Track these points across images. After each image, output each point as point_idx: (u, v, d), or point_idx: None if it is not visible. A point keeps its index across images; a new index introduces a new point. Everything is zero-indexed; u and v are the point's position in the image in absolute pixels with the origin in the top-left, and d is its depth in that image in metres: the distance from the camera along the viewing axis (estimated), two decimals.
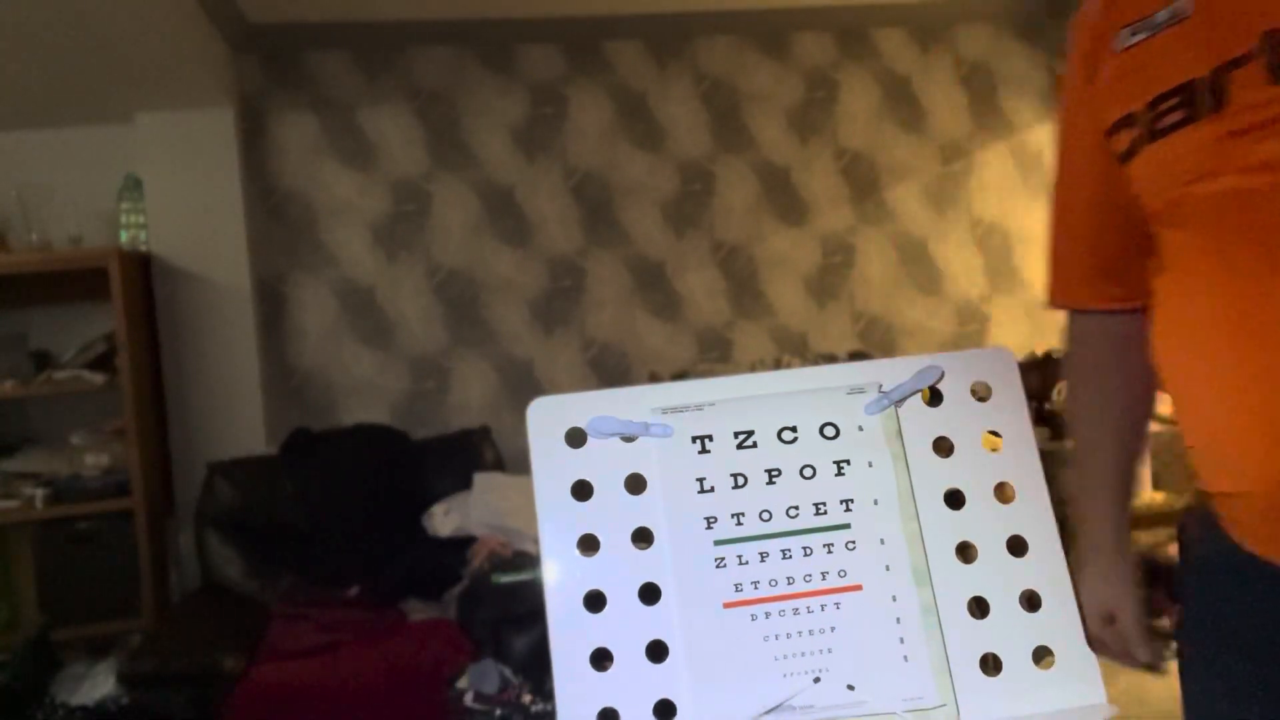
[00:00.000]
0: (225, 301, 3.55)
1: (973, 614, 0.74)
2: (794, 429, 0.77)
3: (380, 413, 3.77)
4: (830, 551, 0.75)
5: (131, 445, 3.14)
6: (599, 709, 0.71)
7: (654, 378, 3.80)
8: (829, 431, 0.78)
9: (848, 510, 0.76)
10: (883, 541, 0.75)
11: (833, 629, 0.73)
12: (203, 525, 3.21)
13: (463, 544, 3.12)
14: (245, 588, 3.13)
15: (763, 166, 4.10)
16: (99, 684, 2.67)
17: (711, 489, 0.76)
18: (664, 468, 0.76)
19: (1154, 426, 3.84)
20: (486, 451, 3.50)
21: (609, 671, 0.72)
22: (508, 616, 2.64)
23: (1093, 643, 0.98)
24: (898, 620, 0.73)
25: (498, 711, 2.42)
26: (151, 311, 3.46)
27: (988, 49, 4.28)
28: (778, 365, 3.80)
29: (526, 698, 2.45)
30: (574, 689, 0.71)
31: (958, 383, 0.79)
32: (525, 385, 3.87)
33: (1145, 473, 3.66)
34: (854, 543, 0.75)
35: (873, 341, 4.13)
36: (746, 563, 0.74)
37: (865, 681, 0.72)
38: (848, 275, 4.15)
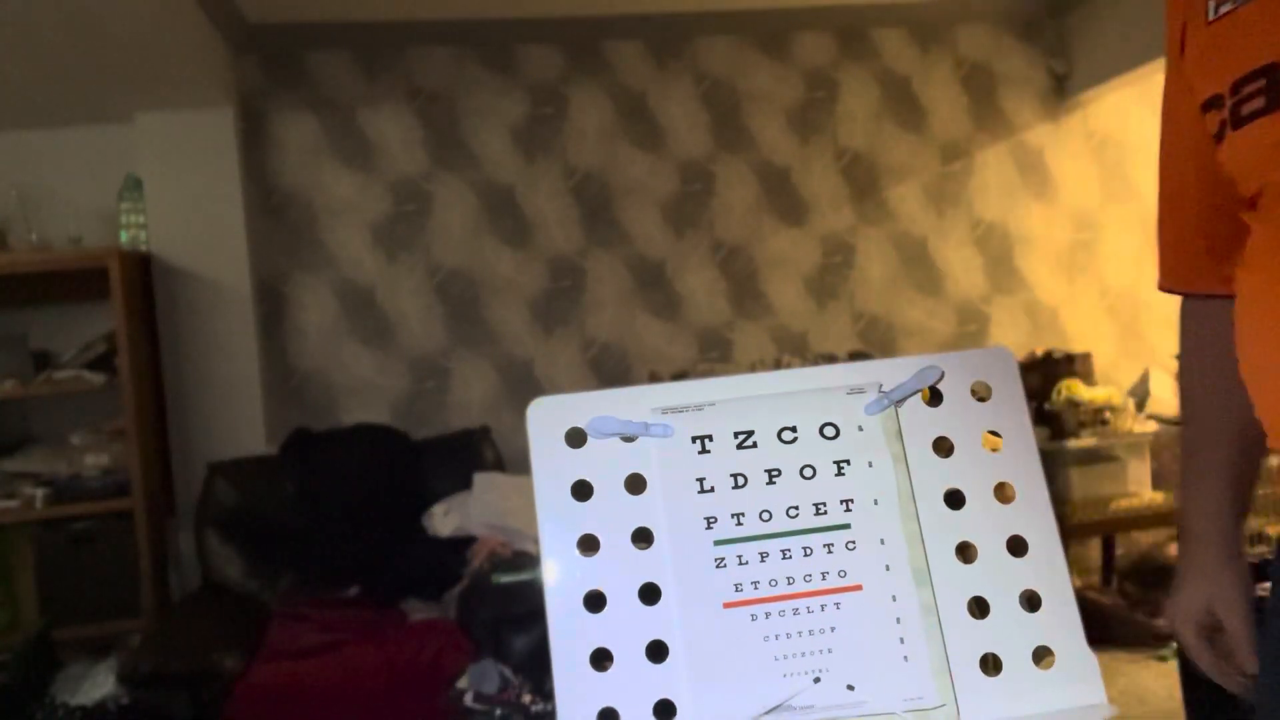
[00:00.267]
0: (225, 301, 3.55)
1: (973, 614, 0.74)
2: (794, 429, 0.77)
3: (380, 413, 3.77)
4: (830, 551, 0.75)
5: (131, 445, 3.14)
6: (599, 709, 0.71)
7: (654, 378, 3.80)
8: (829, 431, 0.78)
9: (848, 510, 0.76)
10: (883, 541, 0.75)
11: (833, 629, 0.73)
12: (203, 525, 3.21)
13: (463, 544, 3.12)
14: (245, 588, 3.13)
15: (763, 166, 4.10)
16: (99, 684, 2.67)
17: (711, 489, 0.76)
18: (664, 468, 0.76)
19: (1153, 426, 3.84)
20: (486, 451, 3.51)
21: (609, 671, 0.72)
22: (508, 616, 2.64)
23: (1190, 654, 0.91)
24: (898, 620, 0.73)
25: (498, 711, 2.42)
26: (151, 311, 3.46)
27: (988, 49, 4.28)
28: (778, 365, 3.80)
29: (526, 698, 2.45)
30: (574, 689, 0.71)
31: (958, 383, 0.79)
32: (525, 385, 3.87)
33: (1145, 471, 3.66)
34: (854, 543, 0.75)
35: (873, 341, 4.13)
36: (746, 563, 0.74)
37: (865, 681, 0.72)
38: (848, 275, 4.15)
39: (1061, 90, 4.26)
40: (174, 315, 3.51)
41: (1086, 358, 3.93)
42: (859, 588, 0.74)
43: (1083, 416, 3.64)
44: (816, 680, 0.71)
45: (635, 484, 0.76)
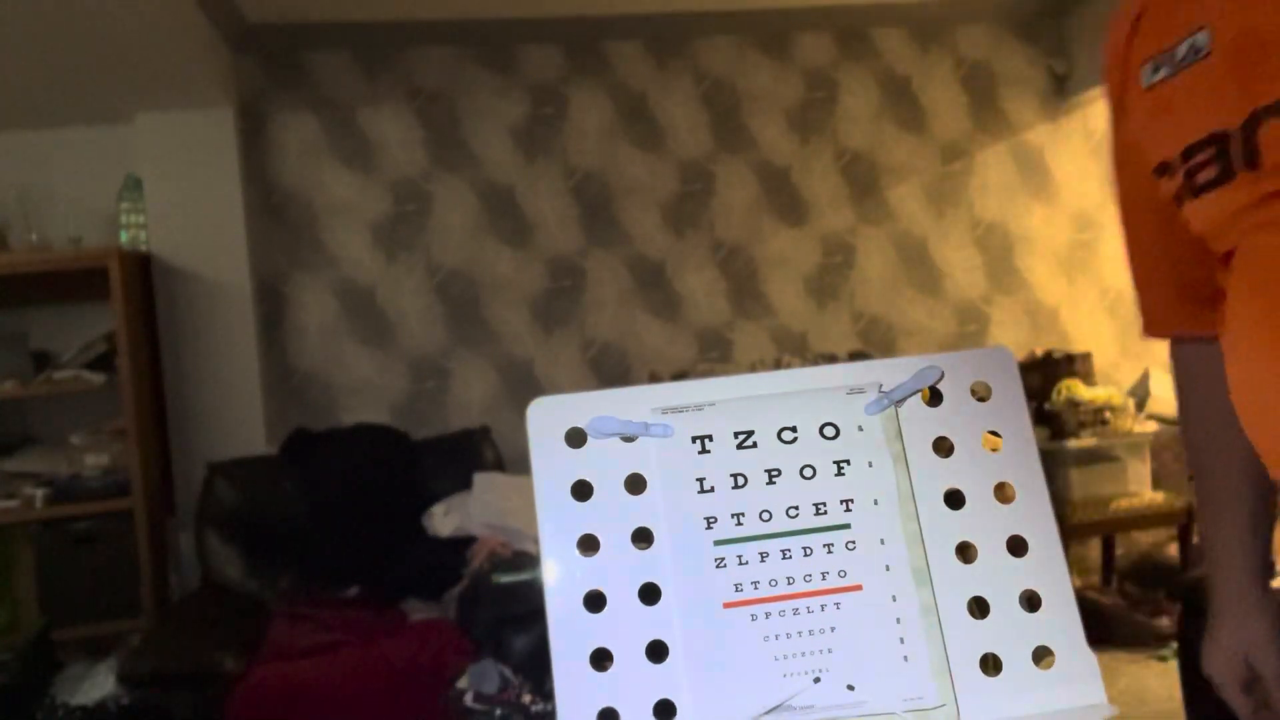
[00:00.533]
0: (225, 301, 3.55)
1: (973, 614, 0.74)
2: (794, 429, 0.77)
3: (380, 413, 3.77)
4: (830, 551, 0.75)
5: (131, 445, 3.14)
6: (599, 709, 0.71)
7: (654, 378, 3.80)
8: (829, 432, 0.78)
9: (848, 510, 0.76)
10: (883, 541, 0.75)
11: (833, 629, 0.73)
12: (203, 525, 3.21)
13: (463, 544, 3.12)
14: (245, 588, 3.13)
15: (763, 166, 4.10)
16: (99, 684, 2.66)
17: (711, 489, 0.76)
18: (664, 468, 0.76)
19: (1153, 426, 3.84)
20: (486, 451, 3.50)
21: (609, 671, 0.72)
22: (508, 616, 2.64)
23: (1231, 705, 0.92)
24: (898, 620, 0.73)
25: (498, 711, 2.42)
26: (151, 311, 3.46)
27: (988, 49, 4.28)
28: (778, 365, 3.80)
29: (526, 698, 2.45)
30: (574, 689, 0.71)
31: (958, 383, 0.79)
32: (525, 385, 3.87)
33: (1145, 471, 3.66)
34: (854, 543, 0.75)
35: (873, 341, 4.13)
36: (746, 563, 0.74)
37: (865, 682, 0.72)
38: (848, 275, 4.15)
39: (1061, 90, 4.26)
40: (174, 315, 3.51)
41: (1086, 358, 3.93)
42: (859, 588, 0.74)
43: (1083, 416, 3.64)
44: (816, 680, 0.71)
45: (635, 484, 0.76)
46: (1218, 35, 0.79)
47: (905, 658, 0.72)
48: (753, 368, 3.85)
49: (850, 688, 0.71)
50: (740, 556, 0.74)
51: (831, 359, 3.69)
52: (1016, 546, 0.76)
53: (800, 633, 0.72)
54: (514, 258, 3.91)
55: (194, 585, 3.29)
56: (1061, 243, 4.26)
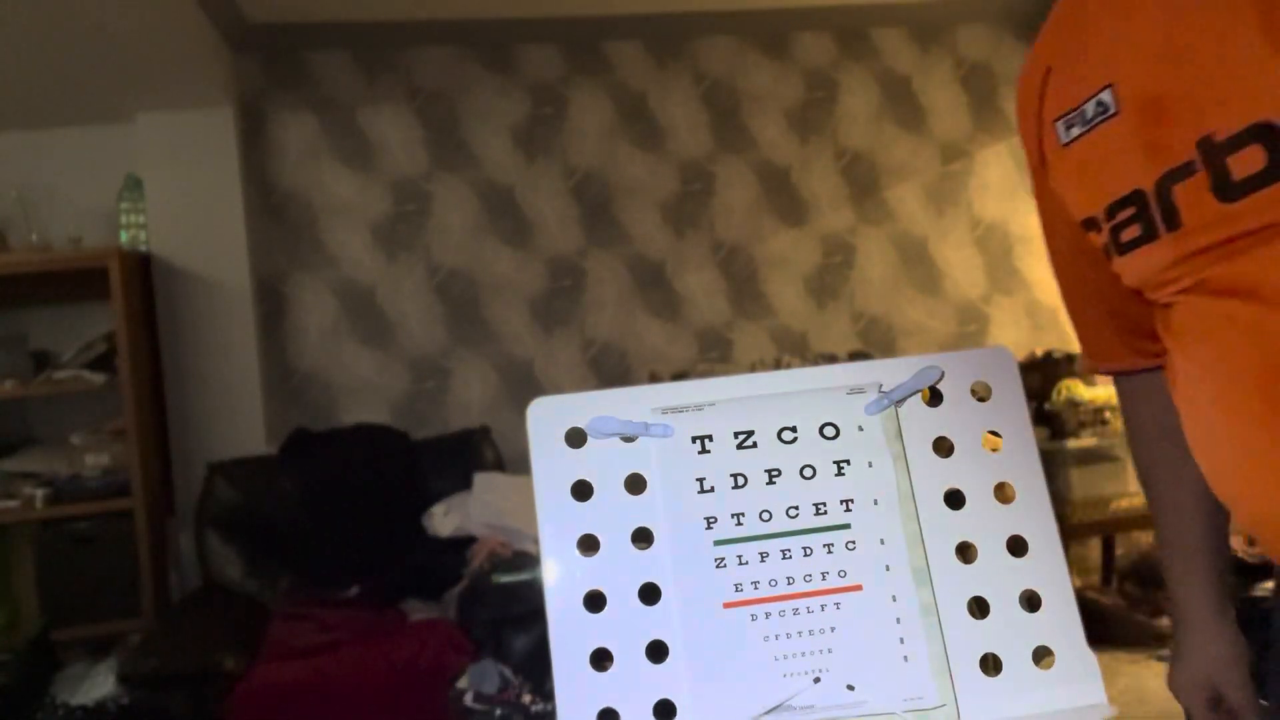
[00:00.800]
0: (225, 301, 3.55)
1: (973, 614, 0.74)
2: (794, 429, 0.78)
3: (380, 413, 3.77)
4: (830, 551, 0.75)
5: (131, 445, 3.14)
6: (599, 709, 0.71)
7: (654, 378, 3.80)
8: (829, 432, 0.78)
9: (848, 510, 0.76)
10: (883, 541, 0.75)
11: (833, 629, 0.73)
12: (203, 525, 3.21)
13: (463, 544, 3.12)
14: (245, 588, 3.13)
15: (763, 166, 4.10)
16: (99, 684, 2.66)
17: (711, 489, 0.76)
18: (664, 468, 0.76)
19: None
20: (486, 451, 3.50)
21: (609, 671, 0.72)
22: (508, 616, 2.64)
23: None
24: (898, 620, 0.73)
25: (498, 711, 2.42)
26: (151, 311, 3.46)
27: (988, 49, 4.28)
28: (778, 365, 3.80)
29: (526, 698, 2.45)
30: (574, 689, 0.71)
31: (958, 383, 0.79)
32: (525, 385, 3.87)
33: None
34: (854, 543, 0.75)
35: (873, 341, 4.13)
36: (746, 563, 0.74)
37: (865, 682, 0.72)
38: (848, 275, 4.15)
39: None
40: (174, 315, 3.51)
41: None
42: (859, 588, 0.74)
43: (1083, 416, 3.64)
44: (816, 680, 0.71)
45: (635, 484, 0.76)
46: (1121, 93, 0.79)
47: (905, 658, 0.72)
48: (753, 368, 3.85)
49: (850, 688, 0.71)
50: (740, 556, 0.74)
51: (831, 359, 3.70)
52: (1016, 546, 0.76)
53: (800, 633, 0.72)
54: (514, 258, 3.91)
55: (194, 585, 3.29)
56: None
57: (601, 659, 0.72)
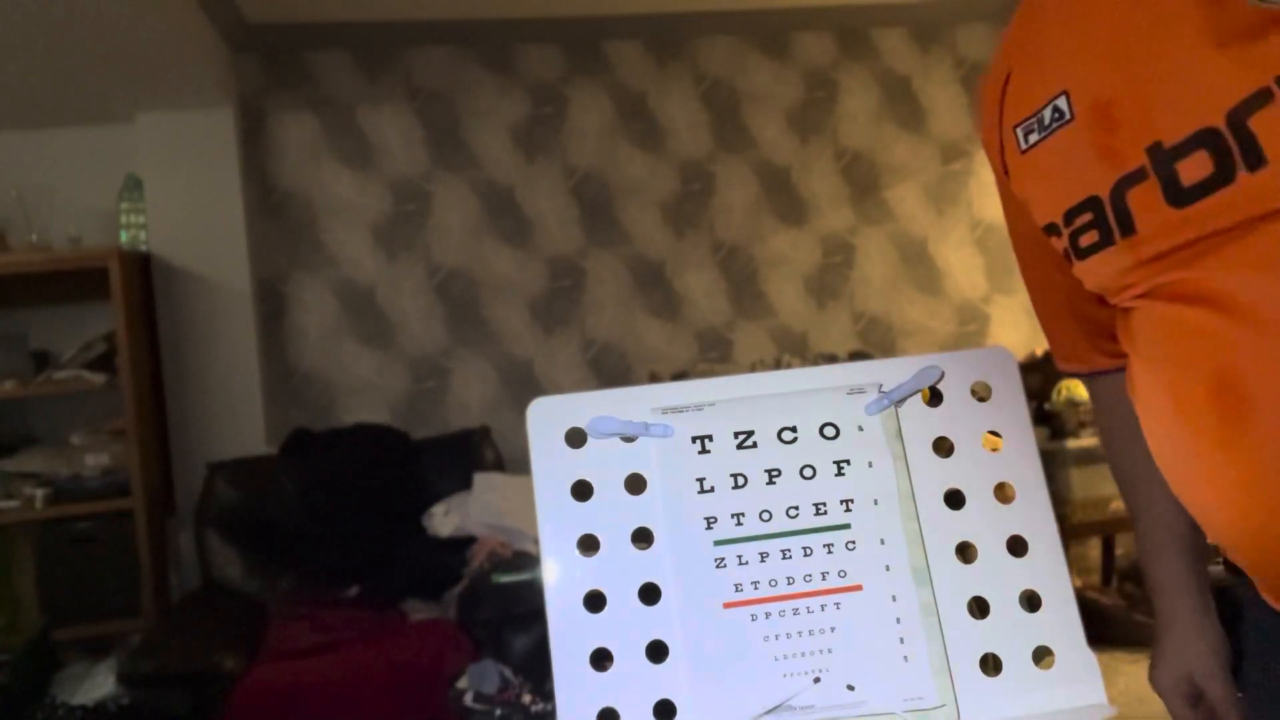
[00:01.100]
0: (225, 301, 3.55)
1: (973, 614, 0.74)
2: (794, 429, 0.77)
3: (380, 413, 3.77)
4: (830, 551, 0.75)
5: (131, 445, 3.14)
6: (599, 709, 0.71)
7: (654, 378, 3.79)
8: (829, 432, 0.78)
9: (848, 510, 0.76)
10: (883, 541, 0.75)
11: (833, 629, 0.73)
12: (203, 525, 3.21)
13: (463, 544, 3.12)
14: (245, 588, 3.13)
15: (763, 166, 4.10)
16: (99, 684, 2.66)
17: (711, 489, 0.76)
18: (664, 468, 0.76)
19: None
20: (486, 451, 3.50)
21: (609, 671, 0.72)
22: (508, 616, 2.64)
23: None
24: (898, 620, 0.73)
25: (498, 711, 2.42)
26: (151, 311, 3.46)
27: (988, 49, 4.27)
28: (778, 365, 3.80)
29: (526, 698, 2.45)
30: (574, 689, 0.71)
31: (958, 383, 0.79)
32: (525, 385, 3.87)
33: None
34: (854, 543, 0.75)
35: (873, 341, 4.13)
36: (746, 563, 0.74)
37: (865, 681, 0.72)
38: (848, 275, 4.15)
39: None
40: (174, 315, 3.51)
41: None
42: (859, 588, 0.74)
43: (1083, 416, 3.64)
44: (816, 680, 0.71)
45: (635, 484, 0.76)
46: (1076, 99, 0.80)
47: (905, 658, 0.72)
48: (753, 368, 3.85)
49: (850, 688, 0.71)
50: (740, 556, 0.74)
51: (831, 359, 3.70)
52: (1016, 546, 0.76)
53: (800, 633, 0.72)
54: (514, 258, 3.91)
55: (194, 585, 3.29)
56: None
57: (601, 659, 0.72)
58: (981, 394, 0.80)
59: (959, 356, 0.80)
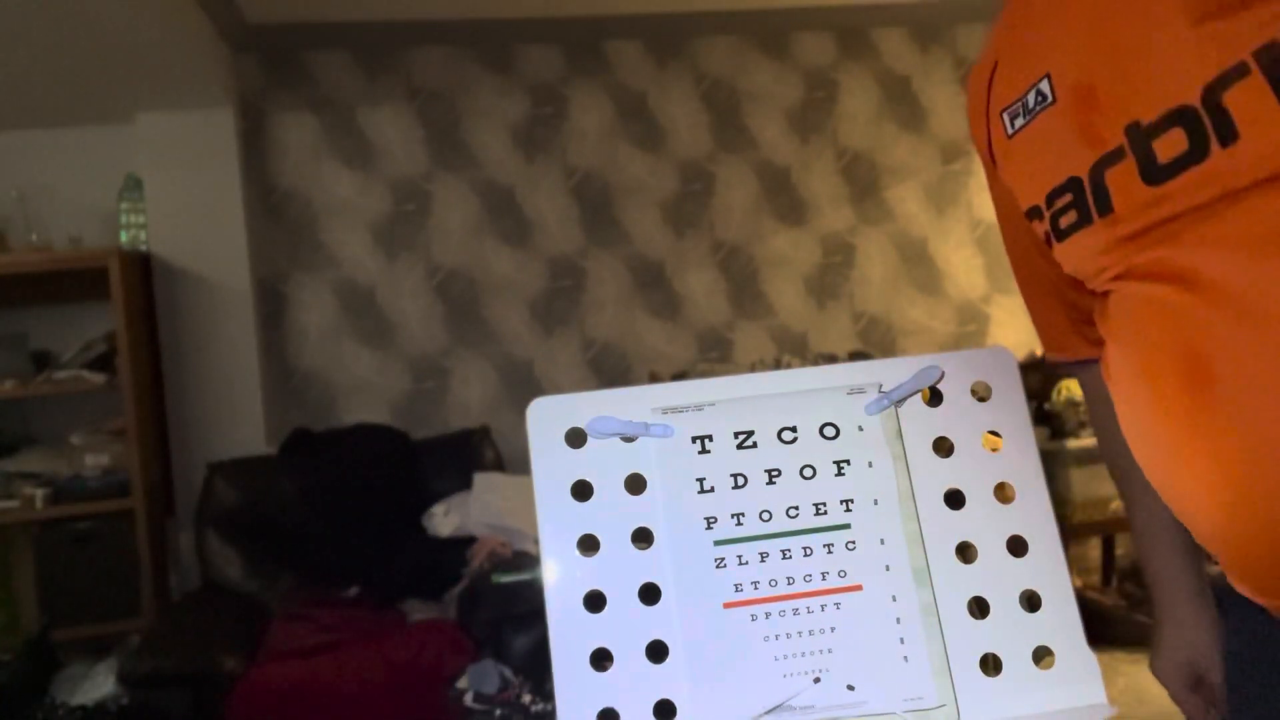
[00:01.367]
0: (225, 301, 3.55)
1: (973, 614, 0.74)
2: (794, 429, 0.77)
3: (380, 413, 3.77)
4: (830, 552, 0.75)
5: (131, 445, 3.14)
6: (599, 709, 0.71)
7: (654, 378, 3.80)
8: (829, 432, 0.78)
9: (848, 510, 0.76)
10: (883, 541, 0.75)
11: (833, 629, 0.73)
12: (203, 525, 3.21)
13: (463, 544, 3.12)
14: (245, 588, 3.13)
15: (763, 166, 4.10)
16: (99, 684, 2.67)
17: (711, 489, 0.76)
18: (664, 468, 0.76)
19: None
20: (486, 451, 3.51)
21: (609, 671, 0.72)
22: (508, 616, 2.64)
23: (1181, 708, 0.92)
24: (898, 620, 0.73)
25: (498, 711, 2.42)
26: (151, 311, 3.46)
27: None
28: (778, 365, 3.80)
29: (526, 698, 2.45)
30: (574, 689, 0.71)
31: (958, 383, 0.79)
32: (525, 385, 3.87)
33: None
34: (854, 543, 0.75)
35: (873, 341, 4.13)
36: (746, 563, 0.74)
37: (865, 682, 0.72)
38: (848, 275, 4.15)
39: None
40: (174, 315, 3.51)
41: None
42: (859, 588, 0.74)
43: (1083, 416, 3.64)
44: (816, 680, 0.71)
45: (635, 484, 0.76)
46: (1057, 82, 0.80)
47: (905, 658, 0.72)
48: (753, 368, 3.85)
49: (850, 688, 0.71)
50: (740, 556, 0.74)
51: (831, 359, 3.69)
52: (1016, 546, 0.76)
53: (800, 633, 0.72)
54: (514, 258, 3.91)
55: (194, 585, 3.29)
56: None
57: (601, 659, 0.72)
58: (981, 394, 0.80)
59: (959, 356, 0.80)
